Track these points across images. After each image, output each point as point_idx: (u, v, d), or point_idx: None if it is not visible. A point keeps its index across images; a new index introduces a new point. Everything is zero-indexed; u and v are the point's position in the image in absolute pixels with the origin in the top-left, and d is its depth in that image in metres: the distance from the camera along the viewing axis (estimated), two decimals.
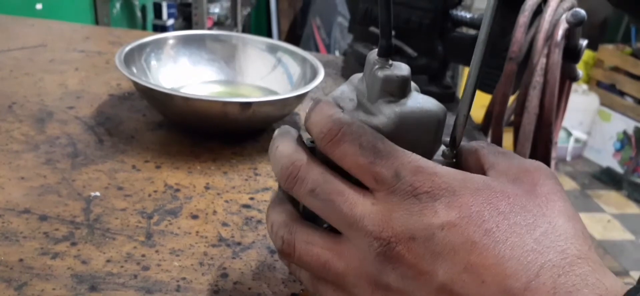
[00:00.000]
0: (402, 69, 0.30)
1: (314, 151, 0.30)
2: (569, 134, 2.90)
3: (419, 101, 0.30)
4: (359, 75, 0.32)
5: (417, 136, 0.30)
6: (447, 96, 0.71)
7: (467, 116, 0.30)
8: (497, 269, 0.25)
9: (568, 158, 2.95)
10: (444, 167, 0.28)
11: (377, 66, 0.30)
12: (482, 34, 0.28)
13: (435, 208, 0.27)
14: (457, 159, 0.31)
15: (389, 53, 0.30)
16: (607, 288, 0.24)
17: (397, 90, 0.29)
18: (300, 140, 0.31)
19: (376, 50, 0.30)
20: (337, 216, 0.28)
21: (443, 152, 0.31)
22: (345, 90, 0.32)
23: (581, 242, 0.26)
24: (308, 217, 0.31)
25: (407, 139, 0.29)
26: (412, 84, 0.31)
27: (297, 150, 0.30)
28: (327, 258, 0.29)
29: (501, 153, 0.30)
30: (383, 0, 0.28)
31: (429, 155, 0.30)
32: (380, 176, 0.27)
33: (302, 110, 0.66)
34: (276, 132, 0.32)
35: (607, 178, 2.78)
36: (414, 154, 0.28)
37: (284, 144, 0.30)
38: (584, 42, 0.62)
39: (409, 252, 0.27)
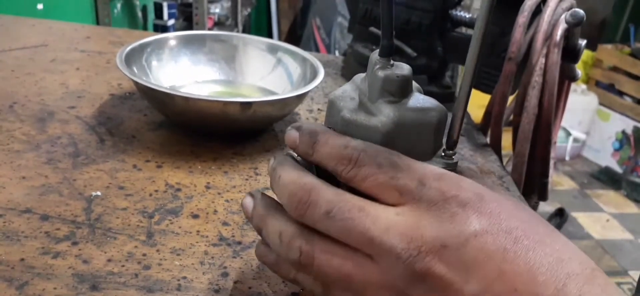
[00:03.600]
0: (403, 69, 0.30)
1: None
2: (568, 133, 2.90)
3: (420, 101, 0.30)
4: (362, 75, 0.32)
5: (416, 136, 0.30)
6: (446, 96, 0.71)
7: (463, 117, 0.31)
8: (528, 276, 0.25)
9: (567, 158, 2.95)
10: (464, 177, 0.28)
11: (378, 66, 0.30)
12: (476, 40, 0.28)
13: (467, 214, 0.26)
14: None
15: (391, 53, 0.30)
16: None
17: (398, 90, 0.29)
18: (301, 164, 0.30)
19: (378, 50, 0.30)
20: (358, 233, 0.27)
21: (444, 153, 0.31)
22: (348, 89, 0.32)
23: (587, 257, 0.27)
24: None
25: (406, 139, 0.29)
26: (414, 84, 0.31)
27: (303, 174, 0.29)
28: (348, 270, 0.28)
29: (488, 187, 0.31)
30: (385, 1, 0.28)
31: (429, 155, 0.31)
32: (405, 188, 0.27)
33: (302, 110, 0.66)
34: (273, 162, 0.31)
35: (606, 178, 2.78)
36: (432, 165, 0.28)
37: (286, 172, 0.29)
38: (582, 42, 0.63)
39: (439, 262, 0.26)
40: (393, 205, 0.27)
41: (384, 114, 0.29)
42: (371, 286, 0.27)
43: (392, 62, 0.30)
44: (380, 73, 0.29)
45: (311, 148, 0.29)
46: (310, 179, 0.28)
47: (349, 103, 0.31)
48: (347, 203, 0.27)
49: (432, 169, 0.28)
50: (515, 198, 0.30)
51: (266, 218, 0.31)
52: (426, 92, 0.32)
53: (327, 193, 0.28)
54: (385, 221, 0.26)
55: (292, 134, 0.30)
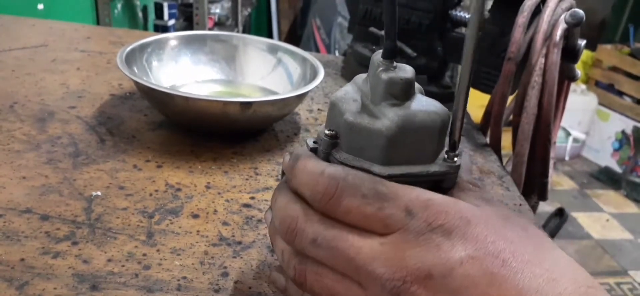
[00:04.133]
0: (406, 71, 0.30)
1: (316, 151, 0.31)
2: (568, 133, 2.90)
3: (423, 104, 0.30)
4: (363, 75, 0.32)
5: (419, 139, 0.29)
6: (446, 96, 0.71)
7: (463, 118, 0.30)
8: None
9: (567, 158, 2.95)
10: (452, 198, 0.27)
11: (381, 68, 0.30)
12: (470, 38, 0.28)
13: (452, 242, 0.26)
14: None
15: (394, 55, 0.30)
16: None
17: (401, 92, 0.29)
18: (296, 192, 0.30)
19: (380, 51, 0.30)
20: (343, 262, 0.27)
21: (446, 155, 0.31)
22: (349, 90, 0.32)
23: (583, 270, 0.26)
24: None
25: (410, 142, 0.29)
26: (417, 86, 0.31)
27: (294, 201, 0.29)
28: (337, 292, 0.28)
29: (486, 199, 0.30)
30: (388, 2, 0.28)
31: (432, 158, 0.30)
32: (391, 219, 0.26)
33: (302, 110, 0.66)
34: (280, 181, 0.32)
35: (606, 178, 2.79)
36: (418, 188, 0.27)
37: (281, 197, 0.30)
38: (582, 42, 0.63)
39: (425, 290, 0.25)
40: (378, 234, 0.27)
41: (388, 118, 0.29)
42: None
43: (395, 64, 0.30)
44: (384, 76, 0.29)
45: (291, 173, 0.29)
46: (297, 207, 0.29)
47: (351, 105, 0.30)
48: (331, 231, 0.27)
49: (418, 194, 0.27)
50: (506, 211, 0.29)
51: (275, 236, 0.32)
52: (426, 93, 0.31)
53: (313, 222, 0.28)
54: (370, 252, 0.26)
55: (285, 158, 0.31)
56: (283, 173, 0.32)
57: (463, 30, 0.72)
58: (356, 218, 0.27)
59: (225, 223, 0.44)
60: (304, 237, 0.28)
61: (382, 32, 0.68)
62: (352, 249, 0.27)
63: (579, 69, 0.66)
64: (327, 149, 0.30)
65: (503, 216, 0.28)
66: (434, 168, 0.30)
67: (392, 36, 0.29)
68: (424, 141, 0.30)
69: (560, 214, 0.67)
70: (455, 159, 0.31)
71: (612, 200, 2.62)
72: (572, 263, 0.26)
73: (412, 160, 0.30)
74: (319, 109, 0.68)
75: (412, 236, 0.26)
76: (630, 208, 2.58)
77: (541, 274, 0.25)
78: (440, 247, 0.26)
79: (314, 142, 0.31)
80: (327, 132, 0.30)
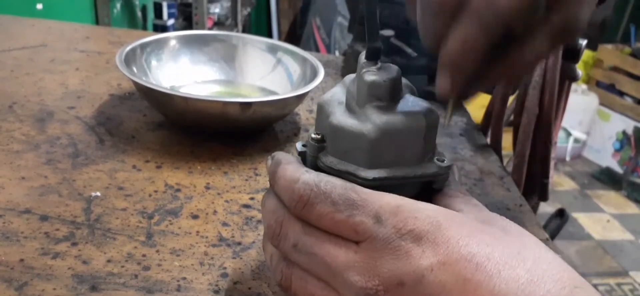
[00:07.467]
0: (391, 71, 0.29)
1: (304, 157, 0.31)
2: (569, 134, 2.90)
3: (409, 105, 0.29)
4: (352, 76, 0.31)
5: (405, 141, 0.29)
6: None
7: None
8: None
9: (567, 158, 2.95)
10: (425, 203, 0.27)
11: (364, 70, 0.29)
12: None
13: (422, 248, 0.25)
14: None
15: (377, 56, 0.29)
16: None
17: (385, 94, 0.29)
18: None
19: (365, 53, 0.30)
20: (321, 268, 0.27)
21: (438, 155, 0.31)
22: (337, 91, 0.32)
23: (570, 269, 0.25)
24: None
25: (395, 144, 0.29)
26: (407, 84, 0.30)
27: (280, 207, 0.29)
28: None
29: (473, 204, 0.29)
30: (368, 4, 0.28)
31: (419, 159, 0.30)
32: (361, 226, 0.26)
33: (302, 110, 0.66)
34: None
35: (607, 178, 2.78)
36: (390, 194, 0.27)
37: (268, 201, 0.30)
38: (583, 42, 0.62)
39: None
40: (354, 242, 0.27)
41: (371, 121, 0.28)
42: None
43: (379, 64, 0.29)
44: (367, 77, 0.29)
45: (273, 178, 0.30)
46: (283, 213, 0.29)
47: (337, 108, 0.30)
48: (310, 237, 0.28)
49: (388, 201, 0.26)
50: (488, 214, 0.28)
51: (265, 241, 0.32)
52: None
53: (295, 227, 0.28)
54: (345, 260, 0.26)
55: (268, 162, 0.31)
56: None
57: None
58: (328, 225, 0.27)
59: (224, 224, 0.44)
60: (286, 241, 0.29)
61: (384, 32, 0.68)
62: (328, 256, 0.27)
63: (580, 69, 0.66)
64: (314, 153, 0.30)
65: (482, 218, 0.27)
66: (422, 170, 0.30)
67: (374, 37, 0.29)
68: (409, 143, 0.29)
69: (561, 215, 0.67)
70: (444, 160, 0.30)
71: (612, 201, 2.62)
72: (556, 262, 0.25)
73: (399, 162, 0.29)
74: None
75: (380, 245, 0.26)
76: (631, 208, 2.57)
77: (520, 276, 0.24)
78: (409, 254, 0.25)
79: (302, 145, 0.31)
80: (313, 136, 0.30)
